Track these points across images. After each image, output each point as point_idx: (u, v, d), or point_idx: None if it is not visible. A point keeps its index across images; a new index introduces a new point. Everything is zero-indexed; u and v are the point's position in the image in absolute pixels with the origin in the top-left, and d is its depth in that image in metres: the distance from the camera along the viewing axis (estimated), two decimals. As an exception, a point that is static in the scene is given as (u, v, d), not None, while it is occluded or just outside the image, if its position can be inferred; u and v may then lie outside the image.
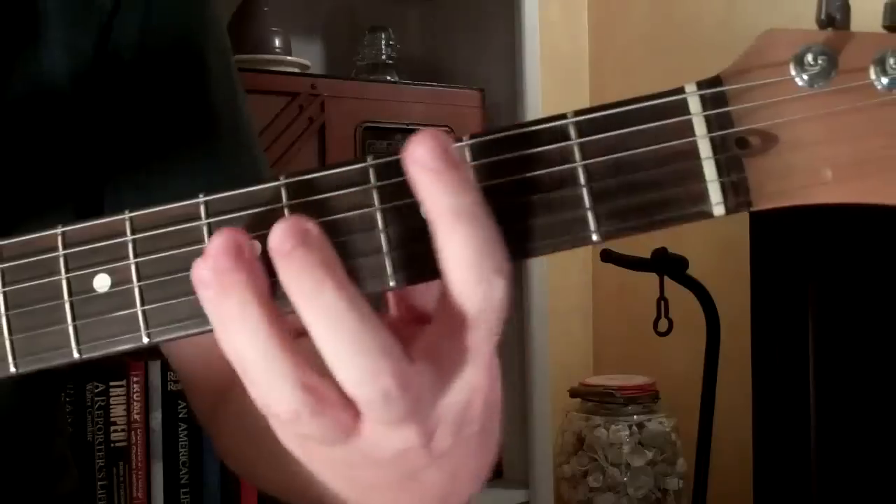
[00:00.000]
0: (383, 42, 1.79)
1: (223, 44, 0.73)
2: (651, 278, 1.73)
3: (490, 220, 0.39)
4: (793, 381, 1.47)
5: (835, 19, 0.41)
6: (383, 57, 1.79)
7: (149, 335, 0.42)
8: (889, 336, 1.41)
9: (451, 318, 0.40)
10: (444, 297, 0.40)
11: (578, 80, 2.23)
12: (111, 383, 1.38)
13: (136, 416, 1.40)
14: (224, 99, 0.71)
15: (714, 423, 1.70)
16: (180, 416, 1.43)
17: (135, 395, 1.40)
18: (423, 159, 0.38)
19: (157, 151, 0.68)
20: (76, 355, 0.43)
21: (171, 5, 0.70)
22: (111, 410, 1.39)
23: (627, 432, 1.84)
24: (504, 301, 0.40)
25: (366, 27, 1.82)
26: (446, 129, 1.70)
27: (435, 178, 0.38)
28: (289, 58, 1.67)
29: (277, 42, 1.67)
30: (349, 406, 0.39)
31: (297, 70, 1.67)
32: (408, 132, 1.66)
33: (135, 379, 1.40)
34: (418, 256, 0.40)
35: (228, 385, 0.66)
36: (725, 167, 0.40)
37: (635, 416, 1.86)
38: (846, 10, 0.41)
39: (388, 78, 1.76)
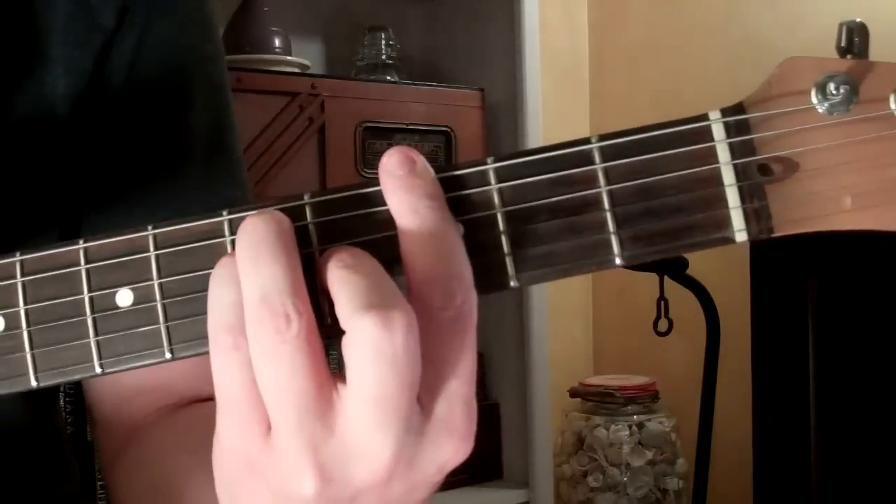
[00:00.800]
0: (383, 42, 1.79)
1: (218, 79, 0.72)
2: (651, 278, 1.73)
3: (451, 229, 0.40)
4: (792, 381, 1.47)
5: (854, 45, 0.41)
6: (383, 57, 1.79)
7: (172, 350, 0.43)
8: (889, 336, 1.41)
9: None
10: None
11: (578, 80, 2.23)
12: (111, 383, 1.38)
13: (136, 416, 1.40)
14: (205, 139, 0.71)
15: (714, 423, 1.70)
16: (180, 416, 1.43)
17: (135, 396, 1.40)
18: (389, 167, 0.41)
19: (124, 181, 0.67)
20: (98, 370, 0.43)
21: (168, 32, 0.69)
22: (111, 410, 1.38)
23: (627, 432, 1.85)
24: (464, 308, 0.40)
25: (366, 27, 1.82)
26: (446, 128, 1.70)
27: (395, 183, 0.41)
28: (289, 58, 1.67)
29: (277, 42, 1.67)
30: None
31: (297, 70, 1.67)
32: (408, 132, 1.67)
33: (135, 379, 1.39)
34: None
35: (138, 434, 0.67)
36: (748, 194, 0.41)
37: (635, 416, 1.86)
38: (865, 35, 0.41)
39: (388, 78, 1.76)
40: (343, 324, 0.39)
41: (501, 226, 0.41)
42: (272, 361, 0.39)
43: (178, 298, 0.42)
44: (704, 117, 0.41)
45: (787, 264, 1.48)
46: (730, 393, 1.74)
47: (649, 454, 1.85)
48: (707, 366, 1.69)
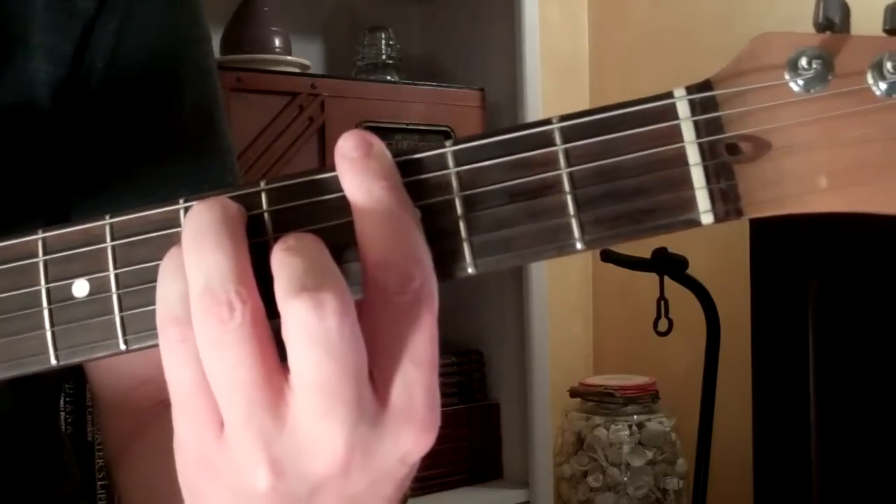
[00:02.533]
0: (383, 42, 1.79)
1: (205, 63, 0.71)
2: (651, 278, 1.73)
3: (406, 211, 0.39)
4: (793, 380, 1.47)
5: (833, 22, 0.39)
6: (383, 57, 1.79)
7: (126, 342, 0.42)
8: (889, 335, 1.41)
9: (369, 302, 0.39)
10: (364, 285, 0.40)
11: (578, 80, 2.23)
12: (111, 383, 1.38)
13: (136, 416, 1.40)
14: (194, 123, 0.69)
15: (714, 423, 1.70)
16: (180, 415, 1.43)
17: (135, 395, 1.40)
18: (344, 149, 0.40)
19: (113, 168, 0.66)
20: (53, 361, 0.42)
21: (152, 17, 0.68)
22: (111, 410, 1.39)
23: (627, 432, 1.84)
24: (422, 291, 0.39)
25: (366, 27, 1.82)
26: (446, 128, 1.70)
27: (350, 165, 0.40)
28: (289, 58, 1.67)
29: (277, 42, 1.67)
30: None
31: (297, 70, 1.67)
32: (408, 132, 1.67)
33: (135, 379, 1.40)
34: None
35: (144, 423, 0.66)
36: (714, 174, 0.39)
37: (635, 416, 1.86)
38: (845, 12, 0.40)
39: (388, 78, 1.76)
40: (279, 308, 0.38)
41: (459, 210, 0.40)
42: (217, 352, 0.38)
43: (134, 289, 0.42)
44: (669, 95, 0.40)
45: (787, 264, 1.47)
46: (730, 393, 1.74)
47: (649, 454, 1.85)
48: (707, 366, 1.69)
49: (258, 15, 1.67)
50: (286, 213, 0.41)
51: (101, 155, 0.67)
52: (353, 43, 1.83)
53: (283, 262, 0.38)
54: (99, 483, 1.38)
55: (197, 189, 0.67)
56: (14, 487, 0.67)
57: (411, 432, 0.40)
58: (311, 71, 1.71)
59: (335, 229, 0.40)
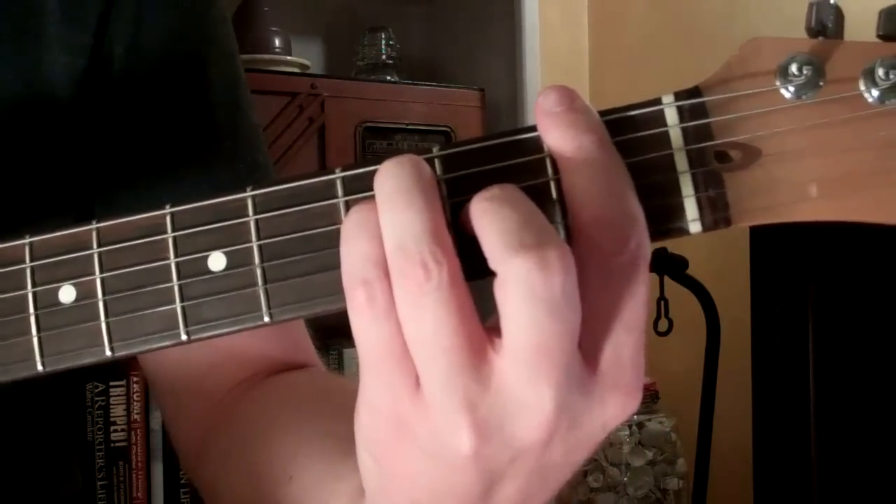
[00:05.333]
0: (383, 42, 1.79)
1: (228, 45, 0.70)
2: (651, 278, 1.73)
3: (620, 165, 0.38)
4: (793, 380, 1.47)
5: (826, 27, 0.39)
6: (383, 57, 1.79)
7: (112, 349, 0.41)
8: (889, 336, 1.41)
9: (580, 262, 0.37)
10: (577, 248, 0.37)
11: (578, 80, 2.23)
12: (111, 383, 1.39)
13: (136, 416, 1.40)
14: (224, 104, 0.69)
15: (714, 423, 1.70)
16: (180, 416, 1.43)
17: (135, 395, 1.40)
18: (546, 105, 0.38)
19: (147, 162, 0.66)
20: (39, 368, 0.42)
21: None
22: (111, 410, 1.39)
23: (627, 432, 1.84)
24: (638, 253, 0.37)
25: (366, 27, 1.82)
26: (446, 128, 1.70)
27: (555, 120, 0.38)
28: (289, 58, 1.68)
29: (277, 42, 1.67)
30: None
31: (297, 70, 1.67)
32: (408, 132, 1.67)
33: (135, 379, 1.40)
34: None
35: (226, 411, 0.65)
36: (703, 182, 0.39)
37: (635, 416, 1.86)
38: (839, 17, 0.39)
39: (388, 78, 1.76)
40: (493, 265, 0.36)
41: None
42: (416, 315, 0.36)
43: (120, 295, 0.41)
44: (657, 101, 0.39)
45: (787, 264, 1.47)
46: (730, 393, 1.74)
47: (649, 454, 1.85)
48: (707, 366, 1.69)
49: (258, 15, 1.67)
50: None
51: (130, 143, 0.66)
52: (353, 43, 1.83)
53: (493, 214, 0.36)
54: (99, 483, 1.38)
55: (234, 168, 0.67)
56: (15, 488, 0.67)
57: (618, 398, 0.38)
58: (311, 71, 1.71)
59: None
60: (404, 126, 1.66)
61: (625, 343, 0.38)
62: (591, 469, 1.86)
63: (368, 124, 1.62)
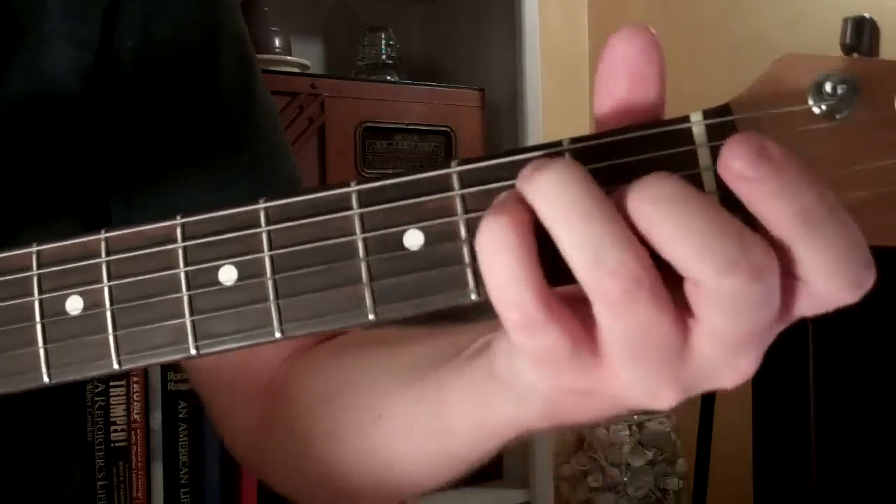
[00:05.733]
0: (383, 42, 1.79)
1: (239, 28, 0.69)
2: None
3: (845, 214, 0.35)
4: (792, 380, 1.47)
5: (861, 43, 0.38)
6: (383, 57, 1.79)
7: (119, 361, 0.41)
8: (889, 335, 1.40)
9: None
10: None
11: (578, 80, 2.23)
12: (111, 383, 1.38)
13: (136, 416, 1.40)
14: (237, 92, 0.68)
15: (714, 423, 1.70)
16: (180, 416, 1.43)
17: (135, 395, 1.40)
18: (741, 171, 0.35)
19: (165, 153, 0.65)
20: (46, 379, 0.42)
21: None
22: (111, 410, 1.39)
23: (627, 432, 1.85)
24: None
25: (366, 27, 1.82)
26: (446, 128, 1.70)
27: (760, 188, 0.35)
28: (289, 58, 1.67)
29: (277, 42, 1.67)
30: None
31: (297, 70, 1.67)
32: (408, 132, 1.67)
33: (135, 379, 1.40)
34: (400, 287, 0.39)
35: (277, 402, 0.64)
36: (731, 203, 0.37)
37: (635, 416, 1.86)
38: (874, 33, 0.38)
39: (388, 78, 1.76)
40: (688, 275, 0.35)
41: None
42: (623, 322, 0.36)
43: (128, 305, 0.41)
44: (685, 119, 0.38)
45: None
46: (730, 393, 1.73)
47: (649, 454, 1.85)
48: (707, 366, 1.69)
49: (258, 15, 1.67)
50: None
51: (145, 136, 0.65)
52: (353, 43, 1.83)
53: (676, 221, 0.35)
54: (99, 483, 1.38)
55: (255, 153, 0.66)
56: (15, 488, 0.67)
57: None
58: (311, 71, 1.71)
59: None
60: (404, 126, 1.66)
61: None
62: (590, 469, 1.86)
63: (368, 124, 1.62)
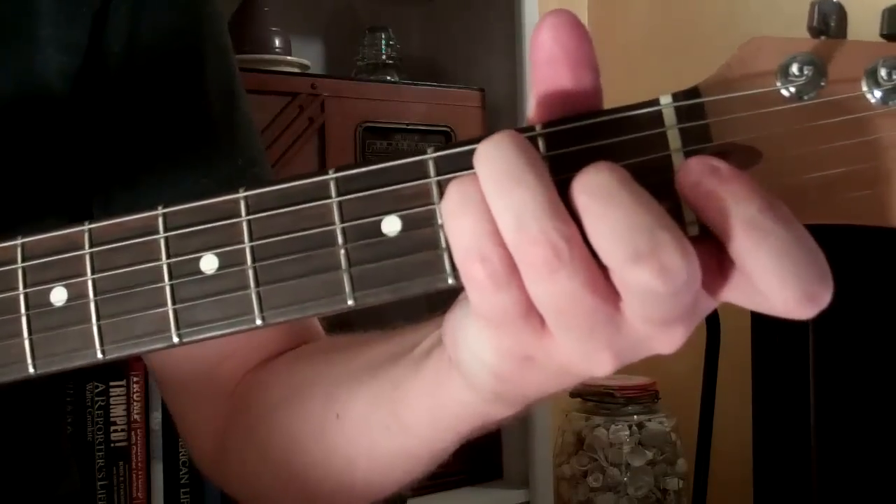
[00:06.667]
0: (383, 42, 1.79)
1: (223, 41, 0.70)
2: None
3: (795, 222, 0.36)
4: (793, 380, 1.47)
5: (828, 27, 0.38)
6: (383, 57, 1.79)
7: (104, 351, 0.41)
8: (889, 335, 1.41)
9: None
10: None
11: (578, 80, 2.22)
12: (111, 383, 1.38)
13: (136, 416, 1.40)
14: (220, 100, 0.69)
15: (714, 423, 1.70)
16: (180, 416, 1.43)
17: (135, 395, 1.40)
18: (691, 178, 0.37)
19: (146, 158, 0.66)
20: (31, 370, 0.42)
21: None
22: (111, 410, 1.39)
23: (627, 432, 1.84)
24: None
25: (366, 27, 1.82)
26: (446, 128, 1.70)
27: (708, 197, 0.37)
28: (289, 58, 1.67)
29: (277, 42, 1.67)
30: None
31: (297, 70, 1.67)
32: (408, 132, 1.67)
33: (135, 379, 1.40)
34: (378, 273, 0.39)
35: (244, 403, 0.64)
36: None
37: (635, 416, 1.86)
38: (842, 17, 0.38)
39: (388, 78, 1.76)
40: (606, 263, 0.36)
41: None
42: (548, 289, 0.37)
43: (111, 295, 0.41)
44: (655, 102, 0.38)
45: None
46: (730, 393, 1.74)
47: (649, 454, 1.85)
48: (707, 366, 1.69)
49: (258, 15, 1.67)
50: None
51: (128, 140, 0.66)
52: (353, 43, 1.83)
53: (599, 214, 0.36)
54: (99, 483, 1.38)
55: (233, 163, 0.67)
56: (13, 486, 0.67)
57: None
58: (311, 71, 1.71)
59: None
60: (404, 126, 1.66)
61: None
62: (590, 469, 1.86)
63: (368, 124, 1.62)
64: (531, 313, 0.38)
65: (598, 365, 0.39)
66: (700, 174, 0.36)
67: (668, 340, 0.39)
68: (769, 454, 1.51)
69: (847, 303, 1.49)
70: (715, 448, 1.70)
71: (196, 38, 0.68)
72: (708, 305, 0.40)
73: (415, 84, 1.72)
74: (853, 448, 1.43)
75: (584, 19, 2.24)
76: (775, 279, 0.36)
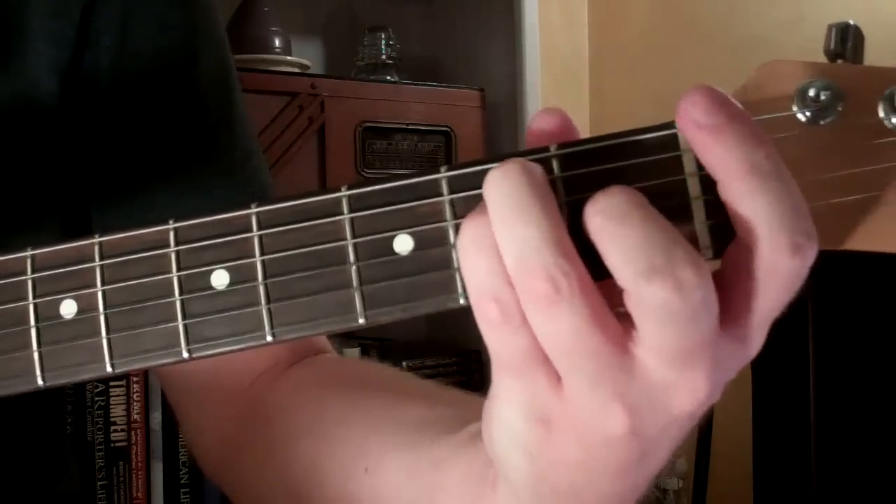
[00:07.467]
0: (383, 42, 1.79)
1: (218, 33, 0.69)
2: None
3: (791, 179, 0.36)
4: (792, 380, 1.47)
5: (846, 50, 0.38)
6: (383, 57, 1.79)
7: (113, 365, 0.41)
8: (889, 335, 1.41)
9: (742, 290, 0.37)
10: (736, 274, 0.37)
11: (578, 80, 2.23)
12: (111, 383, 1.39)
13: (136, 416, 1.40)
14: (216, 94, 0.68)
15: (714, 423, 1.70)
16: (180, 416, 1.43)
17: (135, 395, 1.40)
18: (697, 115, 0.36)
19: (142, 159, 0.65)
20: (40, 382, 0.42)
21: None
22: (111, 410, 1.39)
23: (627, 432, 1.84)
24: (805, 273, 0.36)
25: (366, 27, 1.82)
26: (446, 128, 1.70)
27: (715, 136, 0.36)
28: (289, 58, 1.67)
29: (277, 42, 1.67)
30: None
31: (297, 70, 1.67)
32: (408, 132, 1.67)
33: (135, 379, 1.40)
34: (389, 292, 0.39)
35: (252, 407, 0.64)
36: (716, 208, 0.37)
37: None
38: (858, 40, 0.38)
39: (388, 78, 1.75)
40: (622, 285, 0.36)
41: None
42: (551, 327, 0.36)
43: (122, 309, 0.41)
44: (670, 125, 0.38)
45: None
46: (730, 393, 1.73)
47: (649, 454, 1.85)
48: (707, 366, 1.69)
49: (258, 15, 1.67)
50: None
51: (123, 140, 0.65)
52: (353, 43, 1.83)
53: (613, 234, 0.36)
54: (99, 483, 1.38)
55: (226, 163, 0.65)
56: (13, 486, 0.67)
57: (745, 360, 0.39)
58: (310, 71, 1.71)
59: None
60: (404, 126, 1.66)
61: (767, 314, 0.38)
62: (591, 469, 1.86)
63: (368, 124, 1.62)
64: (546, 361, 0.38)
65: (611, 420, 0.38)
66: (706, 107, 0.36)
67: (688, 388, 0.37)
68: (769, 454, 1.51)
69: (847, 303, 1.49)
70: (715, 448, 1.70)
71: (190, 31, 0.67)
72: (730, 365, 0.38)
73: (415, 84, 1.72)
74: (853, 447, 1.43)
75: (584, 19, 2.24)
76: (771, 222, 0.35)
